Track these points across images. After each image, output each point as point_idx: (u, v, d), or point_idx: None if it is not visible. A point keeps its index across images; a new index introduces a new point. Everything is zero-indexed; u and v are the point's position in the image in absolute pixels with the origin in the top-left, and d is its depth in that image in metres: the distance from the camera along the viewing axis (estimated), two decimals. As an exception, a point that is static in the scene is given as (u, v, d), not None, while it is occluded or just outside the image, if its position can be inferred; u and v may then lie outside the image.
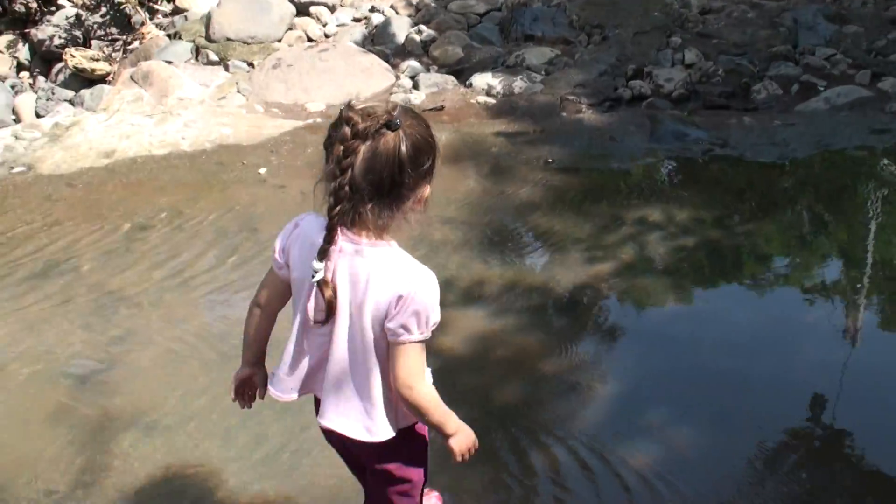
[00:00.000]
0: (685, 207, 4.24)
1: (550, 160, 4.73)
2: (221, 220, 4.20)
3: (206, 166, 4.82)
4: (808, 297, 3.66)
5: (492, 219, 4.13)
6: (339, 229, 1.74)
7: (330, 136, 1.70)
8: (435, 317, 1.78)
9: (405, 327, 1.75)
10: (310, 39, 6.56)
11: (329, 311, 1.79)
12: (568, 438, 2.64)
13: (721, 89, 5.63)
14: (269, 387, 2.01)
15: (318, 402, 1.96)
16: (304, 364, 1.93)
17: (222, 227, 4.12)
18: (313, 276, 1.76)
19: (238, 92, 5.78)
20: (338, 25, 6.77)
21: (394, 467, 2.00)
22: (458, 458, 1.96)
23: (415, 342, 1.78)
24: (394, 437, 1.90)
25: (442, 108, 5.52)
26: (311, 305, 1.81)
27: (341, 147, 1.66)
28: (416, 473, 2.04)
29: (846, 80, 5.66)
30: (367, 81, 5.86)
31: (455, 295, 3.49)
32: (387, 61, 6.14)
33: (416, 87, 5.85)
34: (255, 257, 3.84)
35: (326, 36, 6.65)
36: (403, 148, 1.69)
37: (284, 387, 1.97)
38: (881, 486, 2.57)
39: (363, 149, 1.67)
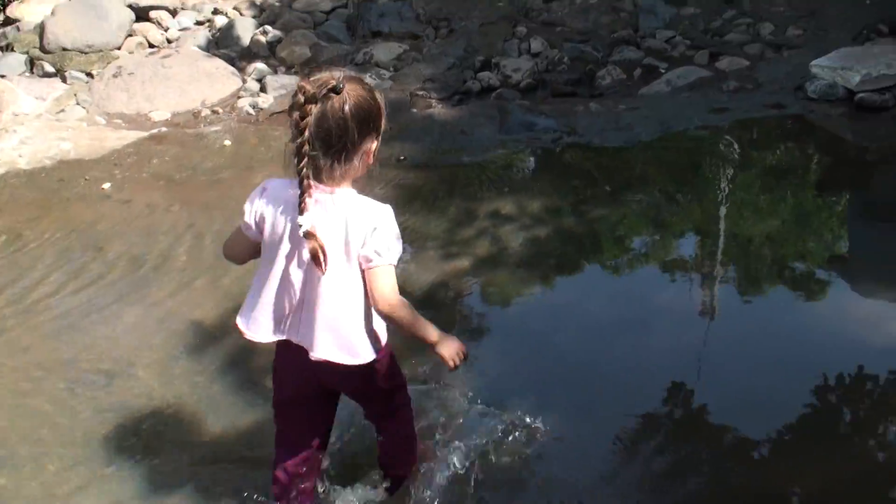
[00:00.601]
0: (537, 197, 4.29)
1: (402, 157, 4.71)
2: (64, 241, 4.04)
3: (46, 184, 4.62)
4: (664, 278, 3.77)
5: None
6: (309, 185, 2.05)
7: (290, 107, 2.06)
8: (399, 244, 2.15)
9: (378, 252, 2.10)
10: (151, 45, 6.37)
11: (322, 257, 2.08)
12: (425, 437, 2.62)
13: (567, 77, 5.71)
14: (244, 329, 2.24)
15: (290, 353, 2.25)
16: (284, 308, 2.21)
17: (66, 248, 3.97)
18: (300, 229, 2.05)
19: (77, 104, 5.56)
20: (180, 30, 6.58)
21: (383, 383, 2.35)
22: (451, 364, 2.27)
23: (388, 265, 2.13)
24: (375, 361, 2.25)
25: (291, 110, 5.43)
26: (303, 253, 2.12)
27: (296, 112, 2.02)
28: (401, 378, 2.44)
29: (686, 61, 5.82)
30: (213, 86, 5.72)
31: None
32: (233, 65, 6.01)
33: (263, 89, 5.74)
34: (102, 278, 3.70)
35: (169, 41, 6.46)
36: (347, 108, 2.03)
37: (261, 329, 2.23)
38: (743, 461, 2.64)
39: (314, 110, 2.01)
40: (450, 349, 2.26)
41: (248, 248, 2.26)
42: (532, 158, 4.85)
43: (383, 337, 2.27)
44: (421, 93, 5.53)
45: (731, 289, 3.68)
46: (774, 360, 3.09)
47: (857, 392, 3.01)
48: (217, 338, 3.26)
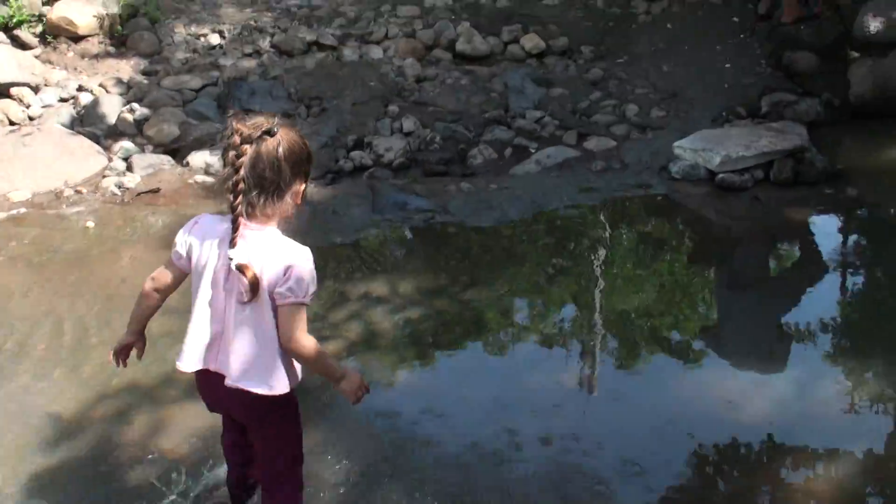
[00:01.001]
0: (410, 278, 4.27)
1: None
2: None
3: None
4: (539, 355, 3.78)
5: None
6: (240, 222, 2.21)
7: (225, 147, 2.22)
8: (314, 286, 2.26)
9: (291, 290, 2.22)
10: (12, 123, 6.15)
11: (254, 289, 2.21)
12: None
13: (439, 156, 5.75)
14: (178, 362, 2.36)
15: (209, 382, 2.37)
16: (206, 338, 2.33)
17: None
18: (231, 262, 2.21)
19: (-70, 185, 5.32)
20: (43, 107, 6.38)
21: (275, 422, 2.42)
22: (353, 400, 2.39)
23: (299, 303, 2.23)
24: (278, 398, 2.33)
25: (158, 190, 5.31)
26: (234, 284, 2.25)
27: (232, 152, 2.18)
28: (291, 427, 2.48)
29: (555, 140, 5.94)
30: (77, 165, 5.56)
31: (177, 390, 3.32)
32: (98, 143, 5.86)
33: (129, 168, 5.60)
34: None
35: (31, 119, 6.26)
36: (280, 150, 2.20)
37: (188, 360, 2.35)
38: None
39: (250, 151, 2.18)
40: (352, 384, 2.37)
41: (177, 278, 2.42)
42: (405, 238, 4.83)
43: (298, 374, 2.38)
44: (293, 171, 5.46)
45: (608, 362, 3.72)
46: (650, 431, 3.13)
47: (730, 462, 3.05)
48: (76, 432, 3.10)
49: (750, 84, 6.53)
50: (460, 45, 7.14)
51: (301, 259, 2.24)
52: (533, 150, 5.81)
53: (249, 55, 7.02)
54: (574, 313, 4.13)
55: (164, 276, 2.43)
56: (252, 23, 7.43)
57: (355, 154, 5.74)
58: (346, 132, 5.99)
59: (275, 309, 2.25)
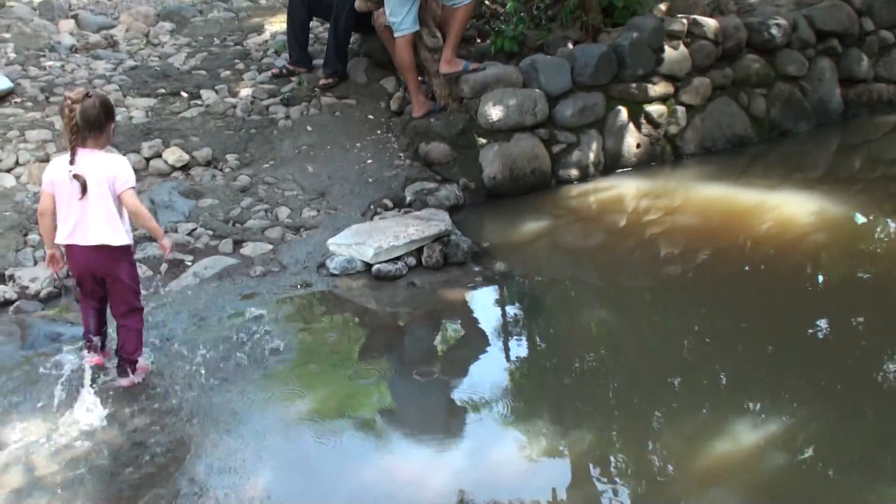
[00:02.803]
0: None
1: None
2: None
3: None
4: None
5: None
6: (77, 149, 3.93)
7: (61, 108, 4.05)
8: (133, 176, 4.13)
9: (125, 182, 4.03)
10: None
11: (84, 188, 3.93)
12: None
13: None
14: (57, 242, 4.10)
15: (74, 253, 4.10)
16: (71, 224, 4.00)
17: None
18: (70, 172, 3.92)
19: None
20: None
21: (124, 267, 4.18)
22: (168, 250, 4.32)
23: (131, 188, 4.06)
24: (124, 247, 4.11)
25: None
26: (75, 188, 3.93)
27: (67, 109, 3.89)
28: (138, 295, 4.34)
29: (211, 251, 5.88)
30: None
31: None
32: None
33: None
34: None
35: None
36: (97, 104, 3.95)
37: (60, 237, 4.05)
38: None
39: (78, 108, 3.88)
40: (169, 241, 4.38)
41: (53, 202, 4.04)
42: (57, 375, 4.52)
43: (129, 235, 4.17)
44: (-75, 317, 5.00)
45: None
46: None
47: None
48: None
49: (392, 176, 6.84)
50: (100, 165, 6.91)
51: (125, 164, 4.17)
52: (189, 264, 5.71)
53: None
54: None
55: (46, 204, 4.06)
56: None
57: (-3, 289, 5.37)
58: (-19, 267, 5.58)
59: (117, 196, 4.02)
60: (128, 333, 4.27)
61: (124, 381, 4.28)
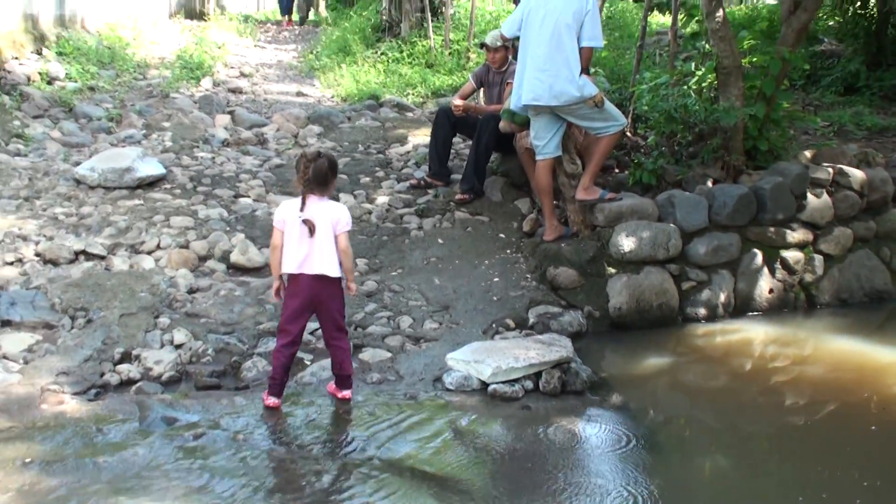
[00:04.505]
0: (183, 496, 4.05)
1: (29, 460, 4.32)
2: None
3: None
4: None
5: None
6: (308, 196, 4.92)
7: (297, 162, 4.99)
8: (350, 222, 5.15)
9: (345, 225, 5.03)
10: None
11: (312, 230, 4.89)
12: None
13: (212, 368, 5.61)
14: (283, 269, 5.03)
15: (300, 281, 5.02)
16: (302, 256, 4.95)
17: None
18: (300, 217, 4.90)
19: None
20: None
21: (337, 295, 5.13)
22: (353, 292, 5.29)
23: (347, 231, 5.04)
24: (338, 279, 5.05)
25: None
26: (305, 229, 4.89)
27: (303, 165, 4.90)
28: (342, 300, 5.22)
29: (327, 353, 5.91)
30: None
31: None
32: None
33: None
34: None
35: None
36: (326, 164, 4.92)
37: (288, 268, 4.99)
38: None
39: (312, 165, 4.88)
40: (356, 285, 5.37)
41: (283, 238, 4.99)
42: (167, 454, 4.57)
43: (339, 270, 5.05)
44: (53, 387, 5.17)
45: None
46: None
47: None
48: None
49: (517, 297, 6.83)
50: (234, 256, 7.13)
51: (344, 211, 5.07)
52: (308, 363, 5.77)
53: (10, 263, 6.71)
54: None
55: (277, 239, 5.02)
56: (15, 230, 7.15)
57: (122, 367, 5.51)
58: (113, 345, 5.75)
59: (335, 236, 4.97)
60: (342, 353, 5.19)
61: (347, 394, 5.25)
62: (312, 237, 4.90)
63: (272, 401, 5.11)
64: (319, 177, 4.90)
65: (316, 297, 5.02)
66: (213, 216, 7.73)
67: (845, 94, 12.30)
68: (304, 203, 4.92)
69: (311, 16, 23.08)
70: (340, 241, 5.00)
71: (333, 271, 4.99)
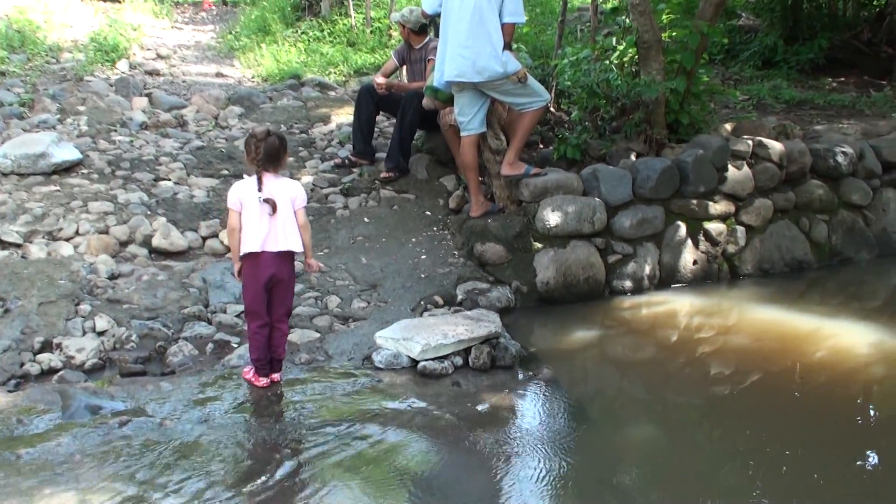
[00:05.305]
0: (110, 484, 3.96)
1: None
2: None
3: None
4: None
5: None
6: (263, 177, 4.92)
7: (247, 142, 4.98)
8: (305, 196, 5.19)
9: (302, 201, 5.08)
10: None
11: (274, 208, 4.90)
12: None
13: (136, 355, 5.51)
14: (243, 251, 4.96)
15: (262, 259, 4.98)
16: (263, 234, 4.91)
17: None
18: (260, 197, 4.90)
19: None
20: None
21: (293, 275, 5.19)
22: (314, 268, 5.47)
23: (304, 206, 5.10)
24: (296, 253, 5.10)
25: None
26: (266, 208, 4.90)
27: (253, 146, 4.92)
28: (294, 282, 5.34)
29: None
30: None
31: None
32: None
33: None
34: None
35: None
36: (277, 140, 4.94)
37: (250, 248, 4.92)
38: None
39: (262, 145, 4.90)
40: (315, 261, 5.41)
41: (240, 220, 4.94)
42: (90, 444, 4.46)
43: (301, 245, 5.07)
44: (-30, 379, 5.01)
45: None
46: None
47: None
48: None
49: (445, 274, 6.82)
50: (156, 241, 6.99)
51: (299, 187, 5.12)
52: (235, 346, 5.69)
53: (-79, 254, 6.49)
54: None
55: (235, 220, 4.95)
56: (-76, 219, 6.91)
57: (43, 357, 5.37)
58: (32, 334, 5.60)
59: (292, 212, 5.00)
60: (282, 337, 5.20)
61: (275, 377, 5.20)
62: (274, 215, 4.92)
63: (264, 381, 5.15)
64: (272, 154, 4.92)
65: (276, 274, 5.00)
66: (133, 200, 7.56)
67: (763, 67, 12.51)
68: (260, 182, 4.93)
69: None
70: (299, 216, 5.04)
71: (297, 246, 5.02)
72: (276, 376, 5.21)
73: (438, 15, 7.32)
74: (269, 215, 4.92)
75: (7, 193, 7.48)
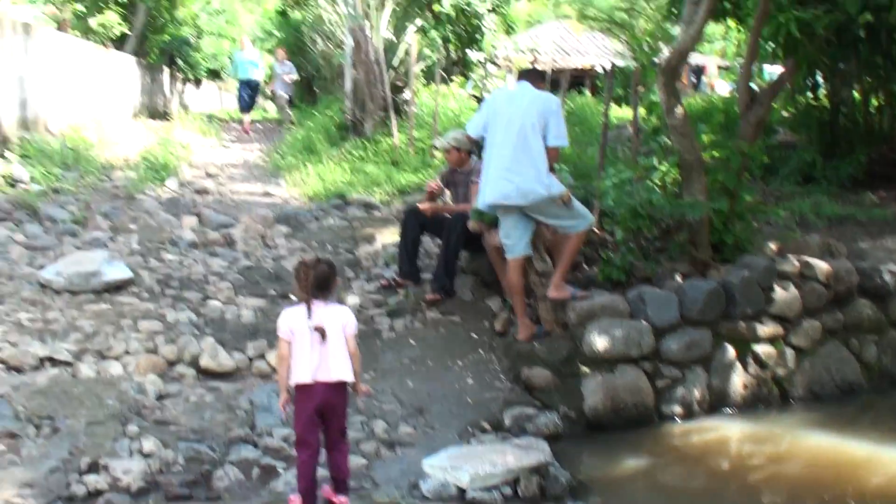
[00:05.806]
0: None
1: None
2: None
3: None
4: None
5: None
6: (313, 302, 4.91)
7: (297, 270, 5.02)
8: (356, 324, 5.12)
9: (351, 327, 5.01)
10: None
11: (324, 336, 4.88)
12: None
13: (183, 478, 5.47)
14: (293, 382, 4.94)
15: (314, 389, 4.92)
16: (315, 364, 4.88)
17: None
18: (310, 325, 4.88)
19: None
20: None
21: (346, 400, 5.09)
22: (364, 393, 5.35)
23: (355, 334, 5.05)
24: (349, 382, 5.03)
25: None
26: (316, 336, 4.88)
27: (303, 273, 4.94)
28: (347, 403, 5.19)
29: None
30: None
31: None
32: None
33: None
34: None
35: None
36: (327, 268, 5.00)
37: (302, 379, 4.89)
38: None
39: (311, 273, 4.92)
40: (366, 387, 5.54)
41: (290, 348, 4.92)
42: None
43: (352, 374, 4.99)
44: (17, 500, 5.01)
45: None
46: None
47: None
48: None
49: (491, 398, 6.76)
50: (204, 361, 7.02)
51: (349, 313, 5.09)
52: (282, 471, 5.64)
53: (-27, 372, 6.55)
54: None
55: (285, 349, 4.96)
56: (-22, 336, 7.00)
57: (89, 478, 5.35)
58: (79, 454, 5.60)
59: (344, 339, 4.96)
60: (343, 458, 5.08)
61: (344, 499, 5.06)
62: (324, 343, 4.87)
63: None
64: (322, 282, 4.93)
65: (328, 403, 4.93)
66: (182, 319, 7.64)
67: (803, 183, 12.52)
68: (310, 310, 4.90)
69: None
70: (350, 343, 4.99)
71: (349, 375, 4.95)
72: (344, 499, 5.06)
73: (483, 138, 7.43)
74: (319, 343, 4.87)
75: (59, 311, 7.59)
